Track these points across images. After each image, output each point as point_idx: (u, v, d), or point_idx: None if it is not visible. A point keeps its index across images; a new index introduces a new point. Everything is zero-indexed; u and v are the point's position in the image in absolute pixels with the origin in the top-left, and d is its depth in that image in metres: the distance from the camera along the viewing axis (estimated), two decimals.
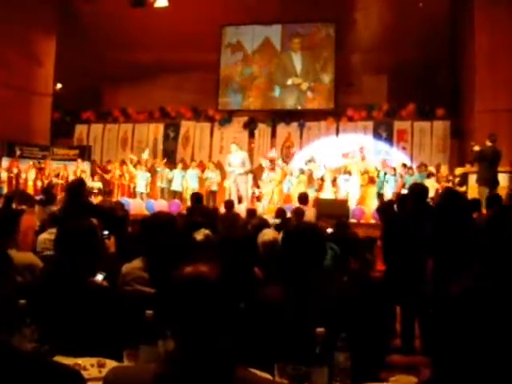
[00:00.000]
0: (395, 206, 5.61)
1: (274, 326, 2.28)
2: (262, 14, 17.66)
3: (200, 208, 8.44)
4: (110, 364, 2.42)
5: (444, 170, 14.99)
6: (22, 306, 2.46)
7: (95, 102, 19.72)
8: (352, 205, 12.77)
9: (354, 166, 14.57)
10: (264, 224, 5.18)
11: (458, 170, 13.40)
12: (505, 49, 13.44)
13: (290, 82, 18.61)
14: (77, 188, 6.87)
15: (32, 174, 16.67)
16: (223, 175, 15.56)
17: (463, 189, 13.92)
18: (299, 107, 18.57)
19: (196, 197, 9.16)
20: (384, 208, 6.00)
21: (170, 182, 16.13)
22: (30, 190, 15.70)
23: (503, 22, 13.56)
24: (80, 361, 2.43)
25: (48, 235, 5.91)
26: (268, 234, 4.43)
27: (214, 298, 1.47)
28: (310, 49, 18.59)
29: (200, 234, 4.50)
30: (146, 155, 16.82)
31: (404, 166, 15.18)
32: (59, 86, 19.35)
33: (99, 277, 2.96)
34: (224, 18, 18.00)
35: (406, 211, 5.09)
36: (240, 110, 18.93)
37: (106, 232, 4.43)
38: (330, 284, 2.45)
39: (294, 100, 18.61)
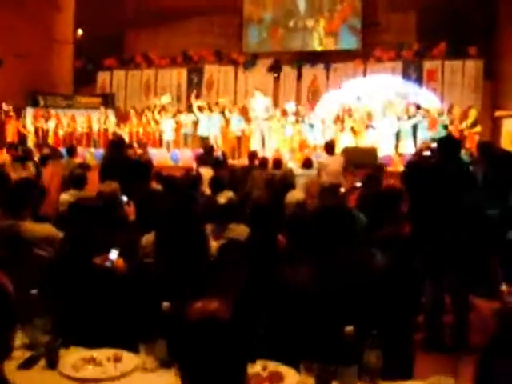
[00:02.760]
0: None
1: (298, 316, 2.12)
2: None
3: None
4: (127, 357, 2.31)
5: (457, 110, 14.49)
6: (34, 296, 2.35)
7: (117, 49, 19.37)
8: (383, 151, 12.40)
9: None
10: (289, 182, 4.99)
11: (498, 113, 12.92)
12: None
13: (312, 22, 17.98)
14: (117, 145, 6.84)
15: (52, 124, 16.57)
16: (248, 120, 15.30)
17: (477, 129, 13.54)
18: (324, 48, 17.99)
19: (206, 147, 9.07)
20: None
21: (195, 125, 15.86)
22: (51, 140, 15.70)
23: None
24: (95, 353, 2.33)
25: (69, 197, 5.84)
26: (294, 196, 4.25)
27: (225, 340, 1.30)
28: None
29: (223, 197, 4.33)
30: (166, 99, 16.57)
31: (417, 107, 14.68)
32: (80, 32, 19.02)
33: (113, 254, 2.81)
34: None
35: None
36: (264, 53, 18.43)
37: (124, 198, 4.29)
38: (359, 267, 2.25)
39: (318, 40, 18.04)
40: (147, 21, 18.23)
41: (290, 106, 14.97)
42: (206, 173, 7.35)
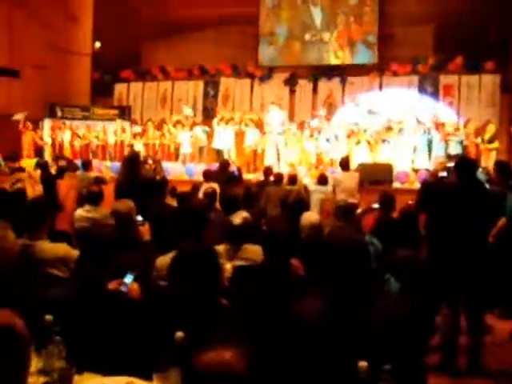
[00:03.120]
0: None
1: (310, 352, 2.10)
2: None
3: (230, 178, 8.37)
4: None
5: (472, 125, 14.38)
6: (49, 322, 2.36)
7: (134, 61, 19.53)
8: (398, 167, 12.32)
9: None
10: (304, 203, 4.97)
11: None
12: None
13: (328, 35, 18.03)
14: (132, 162, 6.87)
15: (67, 136, 16.67)
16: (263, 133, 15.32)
17: (494, 145, 13.41)
18: (340, 62, 18.02)
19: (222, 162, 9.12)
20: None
21: (209, 138, 15.88)
22: (68, 153, 15.80)
23: None
24: (108, 381, 2.32)
25: (84, 212, 5.88)
26: (309, 218, 4.24)
27: None
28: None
29: (238, 218, 4.32)
30: (187, 111, 16.65)
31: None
32: (98, 44, 19.21)
33: (129, 278, 2.81)
34: None
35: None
36: (280, 66, 18.47)
37: (140, 218, 4.30)
38: (375, 304, 2.23)
39: (335, 54, 18.06)
40: (164, 33, 18.40)
41: (314, 123, 14.94)
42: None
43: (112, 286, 2.67)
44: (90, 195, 5.93)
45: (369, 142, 14.02)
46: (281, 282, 2.99)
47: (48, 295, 2.59)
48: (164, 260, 3.47)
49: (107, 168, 14.15)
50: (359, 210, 6.12)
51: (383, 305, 2.24)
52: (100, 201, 5.97)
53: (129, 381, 2.35)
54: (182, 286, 2.22)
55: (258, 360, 1.36)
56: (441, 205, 4.58)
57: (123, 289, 2.70)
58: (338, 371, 2.01)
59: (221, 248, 4.18)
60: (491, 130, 13.90)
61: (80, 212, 5.95)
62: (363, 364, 1.92)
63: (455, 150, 13.63)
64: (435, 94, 16.66)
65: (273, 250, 3.24)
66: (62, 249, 3.69)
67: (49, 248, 3.63)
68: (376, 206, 5.97)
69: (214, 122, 15.92)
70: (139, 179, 6.30)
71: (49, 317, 2.34)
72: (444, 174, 7.15)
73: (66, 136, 16.63)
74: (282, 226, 3.39)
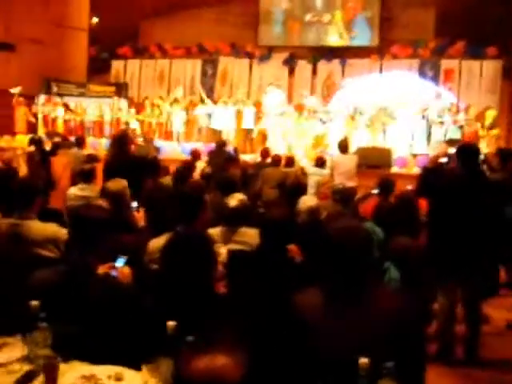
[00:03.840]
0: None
1: (309, 347, 1.99)
2: None
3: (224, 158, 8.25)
4: (129, 376, 2.21)
5: (472, 110, 14.23)
6: (35, 308, 2.24)
7: (132, 38, 19.28)
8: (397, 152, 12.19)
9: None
10: (301, 187, 4.86)
11: None
12: None
13: (328, 17, 17.80)
14: (120, 140, 6.71)
15: (61, 112, 16.44)
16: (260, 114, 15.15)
17: (494, 132, 13.29)
18: (340, 44, 17.80)
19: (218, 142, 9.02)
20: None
21: (209, 118, 15.72)
22: (61, 130, 15.59)
23: None
24: (96, 370, 2.23)
25: (78, 191, 5.76)
26: (307, 202, 4.13)
27: None
28: None
29: (234, 200, 4.20)
30: (178, 93, 16.46)
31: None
32: (95, 20, 18.92)
33: (120, 261, 2.70)
34: None
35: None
36: (280, 47, 18.25)
37: (134, 204, 4.17)
38: (375, 297, 2.12)
39: (335, 35, 17.84)
40: (162, 10, 18.16)
41: (311, 101, 14.71)
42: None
43: (102, 269, 2.56)
44: (83, 173, 5.81)
45: (368, 126, 13.86)
46: (277, 269, 2.88)
47: (35, 278, 2.48)
48: (157, 242, 3.36)
49: (102, 145, 13.98)
50: (358, 195, 6.00)
51: (384, 297, 2.13)
52: (92, 178, 5.85)
53: (118, 371, 2.26)
54: (175, 273, 2.10)
55: (252, 366, 1.25)
56: (442, 193, 4.47)
57: (113, 273, 2.59)
58: (339, 367, 1.91)
59: (216, 230, 4.07)
60: (491, 115, 13.75)
61: (73, 191, 5.84)
62: (364, 360, 1.81)
63: (455, 135, 13.49)
64: (435, 79, 16.50)
65: (269, 236, 3.13)
66: (50, 229, 3.56)
67: (37, 227, 3.51)
68: (375, 191, 5.86)
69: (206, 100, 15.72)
70: (128, 159, 6.14)
71: (35, 302, 2.23)
72: (444, 159, 7.04)
73: (59, 112, 16.37)
74: (279, 211, 3.27)
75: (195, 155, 9.49)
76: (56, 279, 2.42)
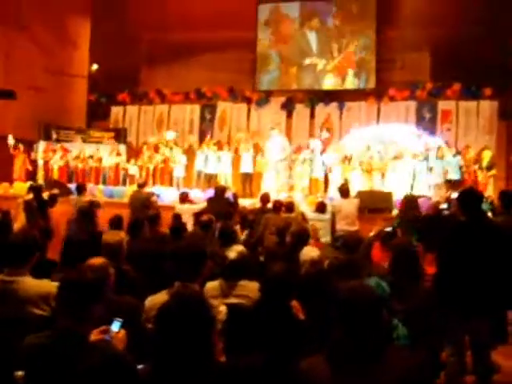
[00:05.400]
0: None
1: None
2: None
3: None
4: None
5: (471, 151, 14.23)
6: (20, 379, 2.11)
7: (131, 84, 19.44)
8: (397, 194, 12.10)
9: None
10: (304, 236, 4.75)
11: None
12: None
13: (325, 61, 18.01)
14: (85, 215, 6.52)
15: (60, 159, 16.40)
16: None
17: (492, 172, 13.24)
18: (337, 87, 17.94)
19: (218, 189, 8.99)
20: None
21: (207, 162, 15.67)
22: (61, 176, 15.58)
23: None
24: None
25: None
26: (309, 253, 4.03)
27: None
28: (350, 24, 17.86)
29: (233, 252, 4.10)
30: (170, 136, 16.48)
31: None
32: (95, 67, 19.14)
33: (116, 324, 2.56)
34: None
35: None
36: (277, 90, 18.40)
37: None
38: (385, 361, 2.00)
39: (332, 79, 18.01)
40: (161, 56, 18.38)
41: (316, 143, 14.66)
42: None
43: (95, 335, 2.42)
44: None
45: (364, 170, 13.81)
46: (279, 327, 2.75)
47: (23, 345, 2.34)
48: (155, 299, 3.24)
49: (101, 191, 13.93)
50: (372, 233, 5.79)
51: (395, 361, 2.01)
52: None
53: None
54: (171, 339, 1.98)
55: None
56: (447, 244, 4.37)
57: (107, 337, 2.45)
58: None
59: (215, 284, 3.96)
60: (487, 156, 13.72)
61: None
62: None
63: (454, 175, 13.46)
64: (433, 120, 16.56)
65: (270, 293, 3.01)
66: (43, 286, 3.41)
67: (29, 285, 3.38)
68: (389, 228, 5.72)
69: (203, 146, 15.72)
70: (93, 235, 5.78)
71: (20, 373, 2.10)
72: (445, 205, 6.97)
73: (59, 159, 16.36)
74: (280, 266, 3.15)
75: (183, 199, 9.60)
76: (43, 347, 2.28)
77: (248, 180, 15.03)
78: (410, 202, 8.32)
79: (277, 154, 13.13)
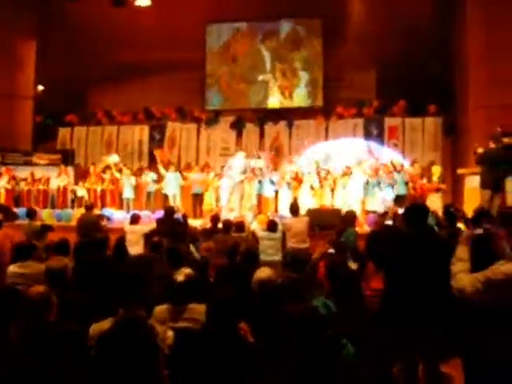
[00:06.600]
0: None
1: None
2: (247, 10, 17.26)
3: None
4: None
5: (417, 166, 14.44)
6: None
7: (79, 105, 19.19)
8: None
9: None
10: (254, 255, 4.74)
11: (461, 171, 12.96)
12: (499, 44, 13.00)
13: (275, 79, 18.23)
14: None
15: (5, 182, 15.93)
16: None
17: (444, 186, 13.52)
18: (286, 105, 18.15)
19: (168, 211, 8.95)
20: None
21: (157, 183, 15.47)
22: (2, 199, 15.14)
23: (498, 18, 13.13)
24: None
25: (18, 268, 5.49)
26: (260, 274, 4.02)
27: None
28: (297, 43, 18.16)
29: (181, 274, 4.05)
30: (113, 159, 16.26)
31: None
32: (40, 88, 18.81)
33: None
34: (208, 15, 17.58)
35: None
36: (227, 110, 18.46)
37: None
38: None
39: (279, 97, 18.22)
40: (109, 77, 18.22)
41: (259, 162, 14.68)
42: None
43: None
44: (20, 249, 5.54)
45: (313, 187, 13.88)
46: (226, 351, 2.72)
47: None
48: (99, 326, 3.15)
49: (50, 215, 13.59)
50: (315, 255, 5.85)
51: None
52: (30, 255, 5.57)
53: None
54: (111, 369, 1.92)
55: None
56: (393, 258, 4.42)
57: None
58: None
59: (164, 308, 3.89)
60: (437, 171, 14.02)
61: (13, 268, 5.54)
62: None
63: (401, 191, 13.67)
64: (380, 137, 16.88)
65: (216, 315, 2.96)
66: None
67: None
68: (331, 250, 5.78)
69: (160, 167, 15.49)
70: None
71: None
72: (389, 222, 7.06)
73: (3, 183, 15.89)
74: (227, 289, 3.13)
75: (135, 221, 9.49)
76: None
77: (198, 200, 14.92)
78: (347, 218, 8.44)
79: (237, 176, 13.04)
